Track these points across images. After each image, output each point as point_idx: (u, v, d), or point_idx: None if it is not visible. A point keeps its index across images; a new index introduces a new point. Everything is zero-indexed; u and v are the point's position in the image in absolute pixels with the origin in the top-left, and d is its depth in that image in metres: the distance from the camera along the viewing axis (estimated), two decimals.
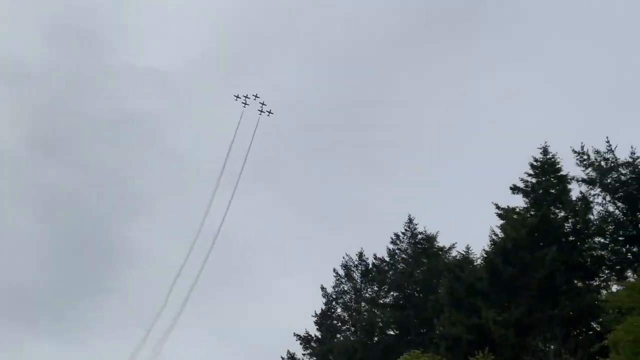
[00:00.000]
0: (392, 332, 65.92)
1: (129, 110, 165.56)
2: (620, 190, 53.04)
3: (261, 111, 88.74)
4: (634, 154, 53.35)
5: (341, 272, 71.75)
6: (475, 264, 61.43)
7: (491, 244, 59.00)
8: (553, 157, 57.39)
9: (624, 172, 53.39)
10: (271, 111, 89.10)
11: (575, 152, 55.83)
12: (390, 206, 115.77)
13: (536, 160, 57.90)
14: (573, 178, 56.01)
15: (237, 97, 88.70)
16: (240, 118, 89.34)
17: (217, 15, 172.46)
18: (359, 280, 70.39)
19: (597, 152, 54.90)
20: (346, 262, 72.15)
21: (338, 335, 70.08)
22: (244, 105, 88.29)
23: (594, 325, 51.26)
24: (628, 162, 53.38)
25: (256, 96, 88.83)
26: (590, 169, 55.03)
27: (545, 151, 57.81)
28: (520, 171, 59.50)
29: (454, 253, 64.99)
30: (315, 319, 71.04)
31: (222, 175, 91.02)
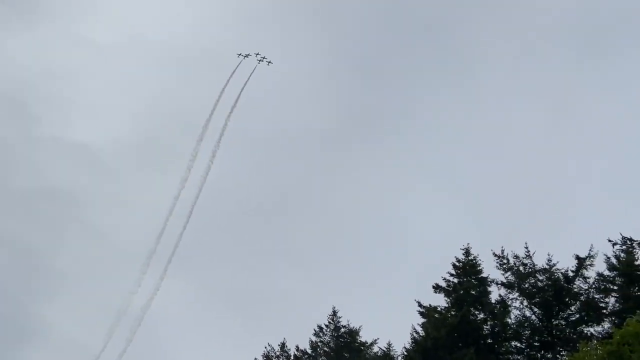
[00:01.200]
0: None
1: (53, 183, 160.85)
2: (537, 295, 54.48)
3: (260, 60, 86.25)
4: (551, 261, 55.23)
5: None
6: None
7: (412, 342, 59.35)
8: (475, 259, 58.83)
9: (540, 278, 55.02)
10: (270, 60, 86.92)
11: (495, 255, 57.41)
12: (314, 297, 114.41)
13: (458, 261, 59.23)
14: (493, 281, 57.39)
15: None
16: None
17: (149, 94, 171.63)
18: None
19: (516, 256, 56.59)
20: (268, 352, 70.98)
21: None
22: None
23: None
24: (545, 269, 55.14)
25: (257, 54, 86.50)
26: (509, 273, 56.55)
27: (467, 252, 59.28)
28: (443, 270, 60.86)
29: (375, 349, 64.78)
30: None
31: (152, 256, 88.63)
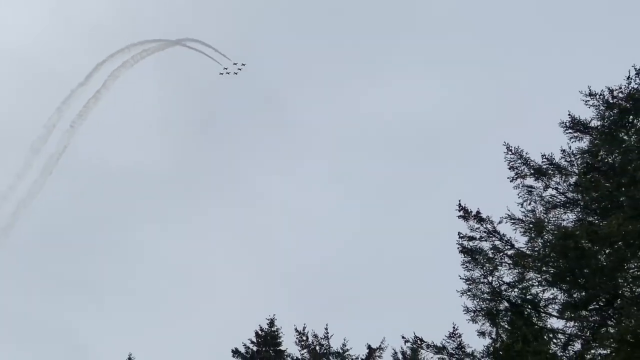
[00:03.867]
0: None
1: None
2: None
3: None
4: (345, 345, 58.32)
5: None
6: None
7: None
8: (277, 331, 60.84)
9: None
10: None
11: (297, 331, 59.65)
12: (108, 338, 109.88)
13: (261, 330, 60.92)
14: (289, 355, 59.50)
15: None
16: None
17: None
18: None
19: (315, 336, 59.11)
20: None
21: None
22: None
23: None
24: (338, 352, 58.13)
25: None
26: (305, 350, 58.91)
27: (271, 323, 61.16)
28: (249, 336, 62.27)
29: None
30: None
31: None
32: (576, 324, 36.48)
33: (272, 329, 61.27)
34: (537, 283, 37.29)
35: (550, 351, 39.88)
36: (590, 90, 36.78)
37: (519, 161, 37.93)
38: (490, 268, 38.78)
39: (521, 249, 36.97)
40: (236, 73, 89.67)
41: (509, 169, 38.09)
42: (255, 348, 60.67)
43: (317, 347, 59.24)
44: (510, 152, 37.94)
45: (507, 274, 38.79)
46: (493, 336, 41.46)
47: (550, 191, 37.48)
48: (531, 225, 36.56)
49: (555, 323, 39.81)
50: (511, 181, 38.14)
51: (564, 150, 37.44)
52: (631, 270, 34.84)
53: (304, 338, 59.85)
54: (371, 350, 57.78)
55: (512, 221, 37.53)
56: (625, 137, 36.44)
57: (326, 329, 60.00)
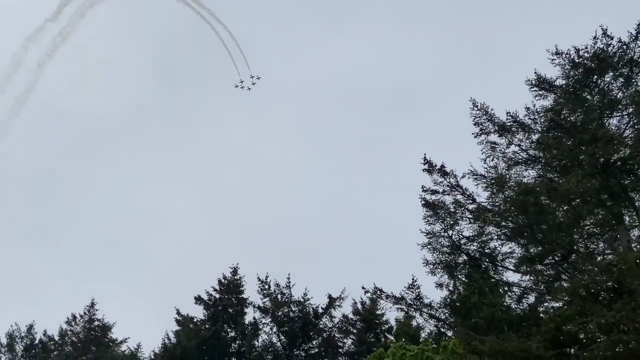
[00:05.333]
0: None
1: None
2: (286, 325, 57.98)
3: None
4: (306, 295, 59.19)
5: (4, 340, 67.18)
6: None
7: (162, 347, 60.36)
8: (240, 279, 61.38)
9: (294, 309, 58.76)
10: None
11: (259, 279, 60.34)
12: (71, 283, 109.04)
13: (224, 278, 61.43)
14: (251, 303, 60.26)
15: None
16: None
17: None
18: (19, 354, 66.35)
19: (277, 285, 59.86)
20: (13, 331, 67.84)
21: None
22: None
23: None
24: (299, 301, 59.03)
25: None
26: (267, 298, 59.68)
27: (235, 271, 61.68)
28: (211, 283, 62.75)
29: (124, 347, 64.68)
30: None
31: None
32: (531, 277, 37.50)
33: (235, 277, 61.80)
34: (495, 237, 38.09)
35: (505, 303, 41.13)
36: (557, 49, 37.07)
37: (484, 117, 38.27)
38: (451, 222, 39.42)
39: (482, 204, 37.58)
40: (249, 88, 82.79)
41: (474, 124, 38.43)
42: (218, 296, 61.25)
43: (279, 296, 60.02)
44: (475, 108, 38.20)
45: (467, 229, 39.50)
46: (450, 288, 42.52)
47: (513, 148, 38.01)
48: (493, 181, 37.13)
49: (511, 277, 40.92)
50: (475, 137, 38.52)
51: (528, 108, 37.84)
52: (587, 227, 35.80)
53: (266, 287, 60.58)
54: (331, 300, 58.80)
55: (475, 177, 38.05)
56: (588, 97, 36.95)
57: (288, 278, 60.86)
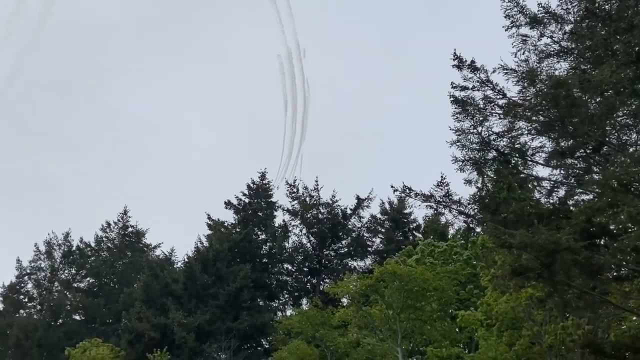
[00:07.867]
0: (78, 317, 65.40)
1: None
2: (315, 226, 59.16)
3: None
4: (335, 197, 59.98)
5: (42, 247, 69.38)
6: (175, 266, 63.66)
7: (195, 251, 62.04)
8: (268, 184, 62.29)
9: (322, 211, 59.73)
10: None
11: (287, 183, 61.21)
12: (104, 193, 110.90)
13: (253, 183, 62.31)
14: (280, 206, 61.28)
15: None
16: None
17: None
18: (58, 260, 68.66)
19: (306, 188, 60.75)
20: (50, 239, 69.94)
21: (22, 311, 67.57)
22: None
23: (264, 342, 56.41)
24: (328, 203, 59.90)
25: None
26: (296, 201, 60.61)
27: (263, 176, 62.48)
28: (241, 188, 63.67)
29: (158, 252, 66.69)
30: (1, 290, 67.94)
31: None
32: (562, 171, 37.38)
33: (264, 181, 62.66)
34: (526, 132, 37.62)
35: (534, 198, 41.31)
36: None
37: (515, 9, 37.14)
38: (481, 118, 39.10)
39: (512, 99, 37.10)
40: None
41: (505, 17, 37.30)
42: (247, 200, 62.33)
43: (307, 199, 60.95)
44: (506, 0, 37.09)
45: (496, 124, 39.02)
46: (479, 185, 42.78)
47: (545, 40, 37.00)
48: (524, 75, 36.46)
49: (541, 172, 40.88)
50: (506, 30, 37.46)
51: None
52: (619, 118, 35.29)
53: (295, 190, 61.47)
54: (360, 201, 59.59)
55: (505, 71, 37.16)
56: None
57: (316, 181, 61.59)
